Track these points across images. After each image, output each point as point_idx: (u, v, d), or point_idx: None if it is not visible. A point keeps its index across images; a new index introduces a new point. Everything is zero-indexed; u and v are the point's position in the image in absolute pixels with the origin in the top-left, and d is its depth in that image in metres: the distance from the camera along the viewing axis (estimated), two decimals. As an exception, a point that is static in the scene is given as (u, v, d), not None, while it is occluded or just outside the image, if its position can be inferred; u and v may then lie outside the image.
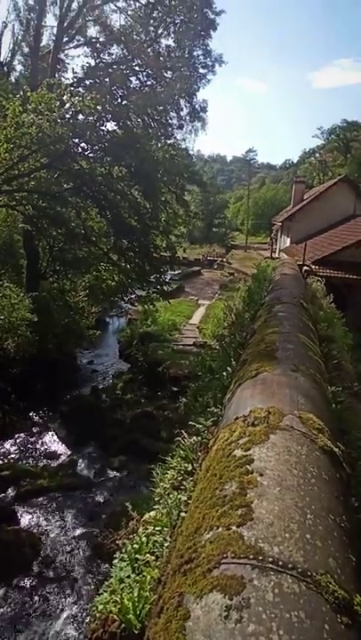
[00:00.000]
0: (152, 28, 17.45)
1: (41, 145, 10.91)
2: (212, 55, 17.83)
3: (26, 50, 26.17)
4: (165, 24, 17.50)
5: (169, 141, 18.13)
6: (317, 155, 64.68)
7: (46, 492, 9.71)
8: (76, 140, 11.98)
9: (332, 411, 3.26)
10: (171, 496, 2.93)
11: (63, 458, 11.34)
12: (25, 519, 8.83)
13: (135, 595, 2.33)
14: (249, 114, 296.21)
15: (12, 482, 9.83)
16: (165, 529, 2.75)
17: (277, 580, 1.35)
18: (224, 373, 4.63)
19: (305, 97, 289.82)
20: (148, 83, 17.44)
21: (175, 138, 19.35)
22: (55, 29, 17.32)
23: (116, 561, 2.95)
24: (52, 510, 9.20)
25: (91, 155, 12.91)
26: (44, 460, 11.15)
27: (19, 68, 29.41)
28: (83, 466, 11.08)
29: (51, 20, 19.26)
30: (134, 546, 2.84)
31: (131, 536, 3.27)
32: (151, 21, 17.44)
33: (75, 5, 16.99)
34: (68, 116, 10.96)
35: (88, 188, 13.29)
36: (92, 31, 18.48)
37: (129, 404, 13.93)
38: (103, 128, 12.47)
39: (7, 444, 11.62)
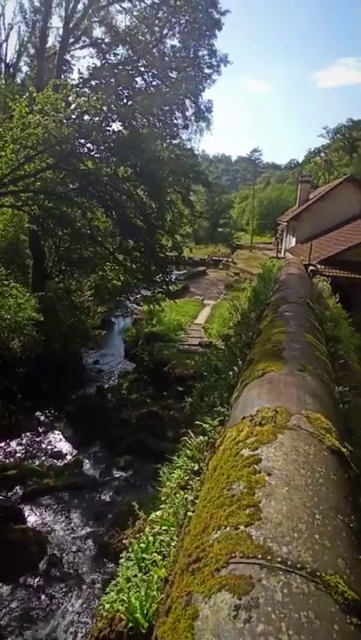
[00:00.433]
0: (157, 29, 17.47)
1: (47, 145, 10.96)
2: (217, 55, 17.83)
3: (32, 51, 26.35)
4: (171, 24, 17.51)
5: (174, 141, 18.15)
6: (323, 154, 64.33)
7: (52, 491, 9.75)
8: (82, 141, 12.01)
9: (340, 411, 3.24)
10: (177, 495, 2.93)
11: (69, 457, 11.38)
12: (31, 518, 8.88)
13: (142, 594, 2.33)
14: (254, 114, 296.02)
15: (18, 481, 9.88)
16: (172, 528, 2.75)
17: (286, 579, 1.34)
18: (230, 373, 4.62)
19: (310, 96, 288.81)
20: (154, 83, 17.45)
21: (180, 138, 19.37)
22: (61, 30, 17.43)
23: (122, 560, 2.96)
24: (59, 509, 9.23)
25: (96, 155, 12.94)
26: (50, 460, 11.20)
27: (25, 69, 29.65)
28: (89, 465, 11.11)
29: (56, 22, 19.49)
30: (141, 545, 2.84)
31: (137, 535, 3.27)
32: (156, 22, 17.46)
33: (80, 7, 17.09)
34: (73, 116, 10.99)
35: (94, 188, 13.33)
36: (98, 32, 18.58)
37: (134, 403, 13.95)
38: (109, 128, 12.50)
39: (13, 444, 11.69)
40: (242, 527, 1.59)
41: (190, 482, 3.10)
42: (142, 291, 17.51)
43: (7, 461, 10.84)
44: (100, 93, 11.72)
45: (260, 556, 1.43)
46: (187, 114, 18.88)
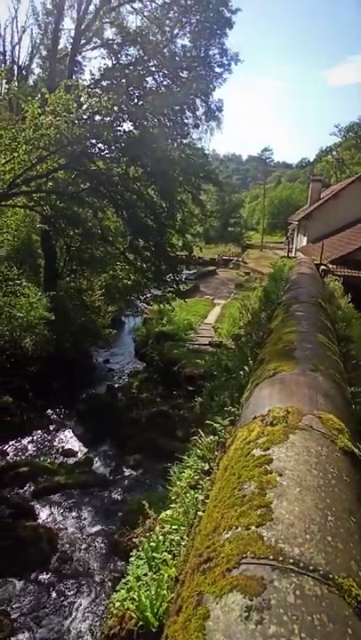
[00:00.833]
0: (168, 29, 17.46)
1: (59, 146, 11.04)
2: (228, 54, 17.70)
3: (44, 53, 26.71)
4: (181, 24, 17.48)
5: (185, 141, 18.13)
6: (334, 153, 63.48)
7: (63, 488, 9.83)
8: (93, 141, 12.08)
9: (352, 411, 3.20)
10: (188, 495, 2.93)
11: (79, 455, 11.47)
12: (42, 515, 8.97)
13: (153, 593, 2.33)
14: (264, 112, 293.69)
15: (29, 478, 9.99)
16: (182, 528, 2.75)
17: (298, 581, 1.33)
18: (241, 372, 4.60)
19: (321, 95, 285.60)
20: (165, 83, 17.45)
21: (191, 137, 19.34)
22: (73, 32, 17.53)
23: (132, 559, 2.97)
24: (69, 507, 9.31)
25: (107, 155, 13.01)
26: (61, 458, 11.30)
27: (37, 70, 30.10)
28: (99, 464, 11.18)
29: (68, 24, 19.67)
30: (151, 544, 2.84)
31: (147, 534, 3.28)
32: (167, 22, 17.45)
33: (92, 8, 17.18)
34: (85, 116, 11.06)
35: (105, 188, 13.40)
36: (109, 33, 18.65)
37: (144, 402, 13.98)
38: (120, 128, 12.54)
39: (25, 441, 11.83)
40: (253, 527, 1.58)
41: (201, 481, 3.09)
42: (152, 290, 17.55)
43: (19, 458, 10.98)
44: (111, 94, 11.77)
45: (271, 557, 1.42)
46: (197, 113, 18.83)
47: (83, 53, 18.22)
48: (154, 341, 18.11)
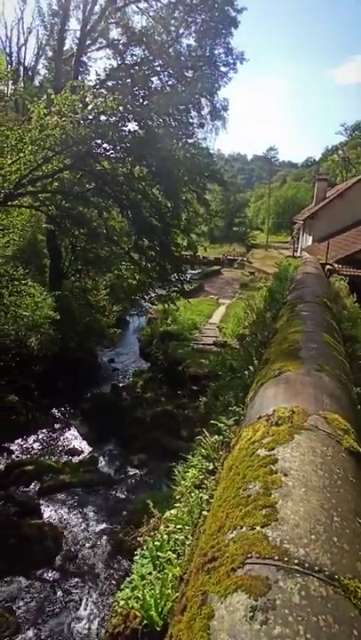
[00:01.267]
0: (173, 28, 17.45)
1: (64, 146, 11.08)
2: (233, 53, 17.66)
3: (50, 54, 26.82)
4: (187, 23, 17.46)
5: (190, 141, 18.10)
6: (340, 151, 63.17)
7: (68, 487, 9.87)
8: (99, 141, 12.09)
9: (358, 412, 3.17)
10: (192, 494, 2.93)
11: (84, 454, 11.50)
12: (47, 513, 9.01)
13: (157, 592, 2.33)
14: (270, 112, 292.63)
15: (35, 476, 10.04)
16: (187, 527, 2.75)
17: (304, 582, 1.32)
18: (246, 372, 4.59)
19: (327, 94, 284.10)
20: (170, 82, 17.43)
21: (196, 137, 19.31)
22: (78, 33, 17.60)
23: (137, 557, 2.97)
24: (74, 505, 9.35)
25: (113, 155, 13.02)
26: (66, 456, 11.35)
27: (43, 71, 30.23)
28: (103, 463, 11.21)
29: (74, 24, 19.62)
30: (155, 543, 2.85)
31: (152, 533, 3.28)
32: (172, 21, 17.45)
33: (97, 9, 17.22)
34: (90, 117, 11.08)
35: (110, 188, 13.42)
36: (114, 33, 18.65)
37: (149, 402, 14.00)
38: (125, 128, 12.55)
39: (30, 440, 11.89)
40: (258, 528, 1.57)
41: (205, 481, 3.09)
42: (157, 290, 17.56)
43: (24, 457, 11.04)
44: (116, 94, 11.78)
45: (276, 557, 1.42)
46: (202, 113, 18.82)
47: (88, 54, 18.27)
48: (158, 341, 18.13)
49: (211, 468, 3.24)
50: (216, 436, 3.47)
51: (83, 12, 17.08)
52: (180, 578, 2.19)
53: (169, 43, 17.33)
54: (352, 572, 1.40)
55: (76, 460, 11.21)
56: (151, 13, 17.67)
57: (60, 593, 7.09)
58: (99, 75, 16.45)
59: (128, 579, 2.87)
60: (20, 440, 11.74)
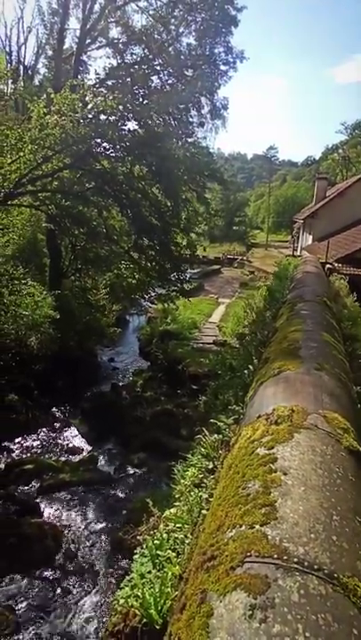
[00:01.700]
0: (173, 27, 17.41)
1: (64, 145, 11.06)
2: (233, 52, 17.62)
3: (49, 53, 26.76)
4: (187, 22, 17.42)
5: (190, 140, 18.07)
6: (341, 150, 63.14)
7: (68, 486, 9.88)
8: (98, 140, 12.08)
9: (358, 411, 3.18)
10: (192, 493, 2.93)
11: (84, 453, 11.51)
12: (47, 512, 9.02)
13: (156, 590, 2.34)
14: (270, 111, 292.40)
15: (35, 475, 10.06)
16: (186, 526, 2.75)
17: (303, 580, 1.32)
18: (245, 371, 4.59)
19: (327, 92, 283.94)
20: (169, 81, 17.41)
21: (196, 136, 19.27)
22: (78, 32, 17.55)
23: (136, 556, 2.98)
24: (74, 504, 9.36)
25: (112, 154, 13.00)
26: (66, 455, 11.36)
27: (42, 70, 30.17)
28: (103, 462, 11.23)
29: (74, 23, 19.64)
30: (155, 542, 2.85)
31: (151, 532, 3.28)
32: (172, 20, 17.39)
33: (97, 7, 17.17)
34: (90, 116, 11.05)
35: (109, 188, 13.41)
36: (114, 32, 18.61)
37: (149, 401, 14.01)
38: (125, 127, 12.54)
39: (30, 439, 11.90)
40: (257, 526, 1.57)
41: (205, 480, 3.09)
42: (157, 289, 17.56)
43: (24, 456, 11.05)
44: (116, 93, 11.77)
45: (275, 555, 1.42)
46: (202, 112, 18.79)
47: (88, 53, 18.22)
48: (158, 340, 18.13)
49: (210, 466, 3.24)
50: (216, 435, 3.47)
51: (82, 10, 17.04)
52: (180, 576, 2.20)
53: (169, 41, 17.30)
54: (351, 571, 1.40)
55: (75, 458, 11.22)
56: (151, 12, 17.61)
57: (59, 591, 7.10)
58: (98, 74, 16.44)
59: (128, 577, 2.87)
60: (19, 439, 11.75)
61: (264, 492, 1.75)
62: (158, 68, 16.93)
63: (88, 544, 8.22)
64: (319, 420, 2.34)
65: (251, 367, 4.61)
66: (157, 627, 2.19)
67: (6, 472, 10.14)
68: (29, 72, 30.24)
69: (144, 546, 2.97)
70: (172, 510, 3.22)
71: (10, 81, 17.20)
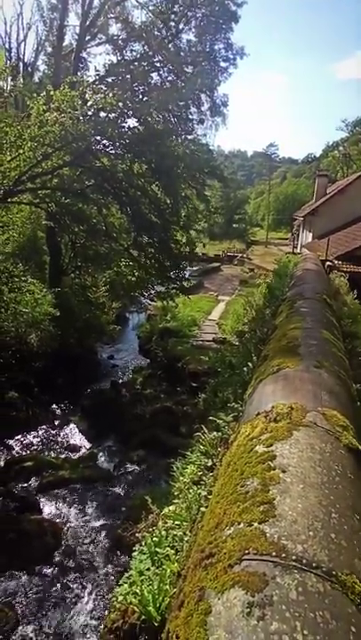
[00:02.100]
0: (173, 24, 17.32)
1: (64, 143, 11.02)
2: (233, 48, 17.55)
3: (49, 50, 26.65)
4: (187, 18, 17.34)
5: (190, 137, 18.03)
6: (341, 147, 62.96)
7: (67, 483, 9.90)
8: (98, 137, 12.02)
9: (357, 408, 3.17)
10: (190, 491, 2.93)
11: (84, 450, 11.53)
12: (47, 509, 9.04)
13: (155, 587, 2.34)
14: (270, 107, 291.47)
15: (34, 472, 10.07)
16: (185, 523, 2.75)
17: (301, 578, 1.32)
18: (245, 369, 4.59)
19: (328, 89, 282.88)
20: (169, 78, 17.35)
21: (196, 133, 19.23)
22: (78, 28, 17.46)
23: (135, 553, 2.98)
24: (73, 501, 9.38)
25: (112, 151, 12.95)
26: (66, 452, 11.38)
27: (42, 67, 30.06)
28: (103, 459, 11.24)
29: (73, 20, 19.53)
30: (154, 539, 2.85)
31: (150, 529, 3.29)
32: (172, 16, 17.31)
33: (96, 3, 17.08)
34: (90, 113, 10.99)
35: (109, 185, 13.36)
36: (114, 29, 18.54)
37: (148, 398, 14.02)
38: (124, 125, 12.46)
39: (30, 436, 11.92)
40: (256, 524, 1.57)
41: (203, 477, 3.09)
42: (156, 286, 17.55)
43: (24, 453, 11.07)
44: (115, 90, 11.74)
45: (274, 553, 1.41)
46: (202, 108, 18.74)
47: (88, 50, 18.12)
48: (158, 338, 18.13)
49: (209, 464, 3.24)
50: (215, 433, 3.47)
51: (82, 6, 16.94)
52: (178, 574, 2.20)
53: (169, 38, 17.23)
54: (350, 568, 1.40)
55: (75, 455, 11.25)
56: (151, 8, 17.52)
57: (59, 588, 7.12)
58: (98, 70, 16.37)
59: (126, 574, 2.88)
60: (19, 436, 11.76)
61: (263, 490, 1.75)
62: (158, 64, 16.87)
63: (87, 541, 8.24)
64: (318, 417, 2.33)
65: (250, 365, 4.60)
66: (156, 624, 2.19)
67: (6, 469, 10.15)
68: (29, 69, 30.11)
69: (143, 543, 2.97)
70: (171, 508, 3.22)
71: (9, 78, 17.10)
